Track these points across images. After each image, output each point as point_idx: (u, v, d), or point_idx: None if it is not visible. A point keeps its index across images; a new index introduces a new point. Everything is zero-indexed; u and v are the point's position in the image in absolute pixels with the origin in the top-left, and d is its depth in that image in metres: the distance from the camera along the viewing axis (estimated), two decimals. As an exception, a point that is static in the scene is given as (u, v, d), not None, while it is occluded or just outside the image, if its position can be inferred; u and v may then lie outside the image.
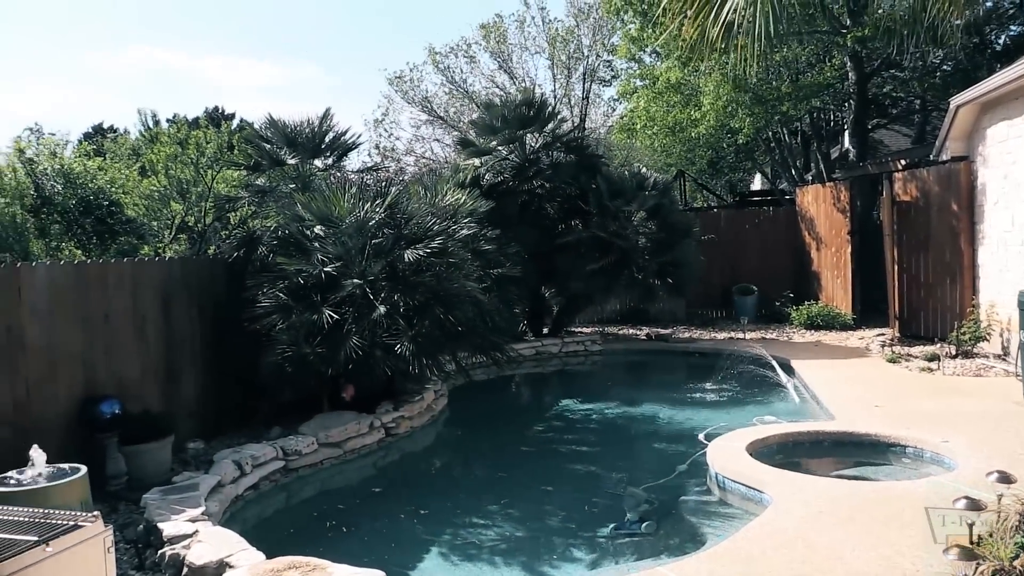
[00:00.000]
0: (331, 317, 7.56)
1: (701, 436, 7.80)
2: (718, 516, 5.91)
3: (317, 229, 8.17)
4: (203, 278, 8.35)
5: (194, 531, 5.01)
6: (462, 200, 9.28)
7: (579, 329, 15.40)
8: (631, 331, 15.63)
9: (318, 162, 9.91)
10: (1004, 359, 10.24)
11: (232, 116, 29.55)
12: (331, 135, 9.88)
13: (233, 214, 10.59)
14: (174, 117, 22.71)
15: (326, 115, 9.79)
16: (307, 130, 9.69)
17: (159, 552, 4.93)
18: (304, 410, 8.15)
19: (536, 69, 43.35)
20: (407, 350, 7.59)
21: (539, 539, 5.90)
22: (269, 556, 4.53)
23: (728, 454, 6.56)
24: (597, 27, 20.85)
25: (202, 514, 5.38)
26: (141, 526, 5.35)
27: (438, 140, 23.31)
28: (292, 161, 9.67)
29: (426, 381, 9.44)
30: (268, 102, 61.90)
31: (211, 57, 57.69)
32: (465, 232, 8.70)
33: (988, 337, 10.66)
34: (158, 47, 55.44)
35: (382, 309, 7.67)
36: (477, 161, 12.93)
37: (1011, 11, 16.08)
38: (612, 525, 5.87)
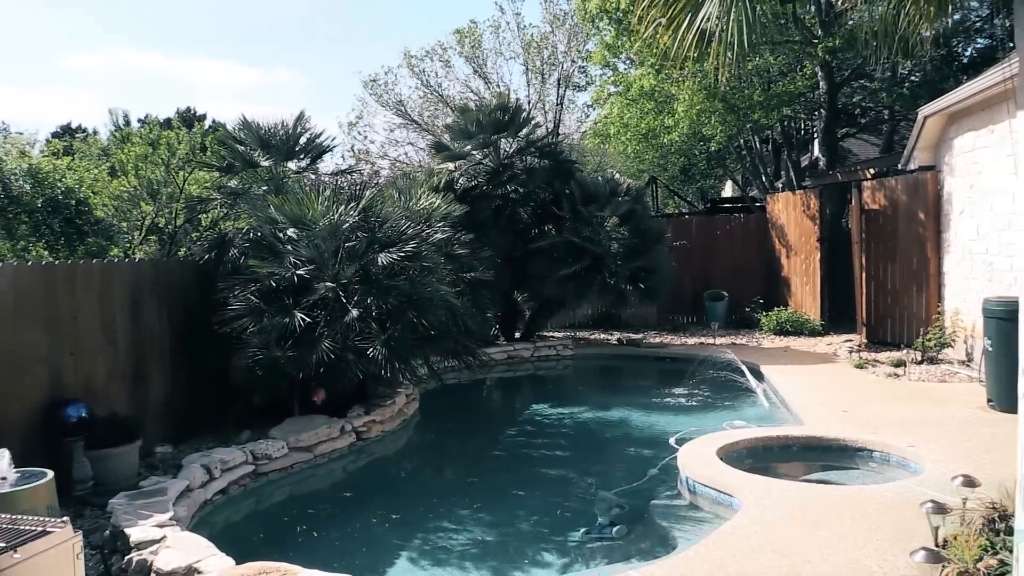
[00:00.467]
0: (303, 320, 7.52)
1: (672, 440, 7.85)
2: (689, 520, 5.95)
3: (290, 232, 8.13)
4: (173, 280, 8.27)
5: (162, 536, 4.95)
6: (436, 204, 9.28)
7: (551, 334, 15.44)
8: (603, 336, 15.70)
9: (292, 164, 9.85)
10: (968, 365, 10.42)
11: (204, 117, 29.29)
12: (305, 137, 9.82)
13: (204, 216, 10.49)
14: (146, 118, 22.44)
15: (300, 117, 9.75)
16: (281, 132, 9.63)
17: (126, 558, 4.87)
18: (275, 414, 8.10)
19: (511, 74, 43.51)
20: (379, 354, 7.57)
21: (510, 543, 5.91)
22: (239, 562, 4.49)
23: (699, 459, 6.60)
24: (572, 34, 20.97)
25: (170, 519, 5.32)
26: (107, 531, 5.28)
27: (412, 144, 23.32)
28: (265, 163, 9.60)
29: (398, 385, 9.41)
30: (242, 104, 61.63)
31: (185, 59, 57.26)
32: (439, 236, 8.71)
33: (953, 344, 10.84)
34: (131, 47, 54.89)
35: (355, 312, 7.64)
36: (451, 165, 12.94)
37: (977, 24, 16.40)
38: (583, 529, 5.90)
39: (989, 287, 9.66)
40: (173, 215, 10.68)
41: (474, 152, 13.14)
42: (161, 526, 5.15)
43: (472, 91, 22.23)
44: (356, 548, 5.82)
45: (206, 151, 11.68)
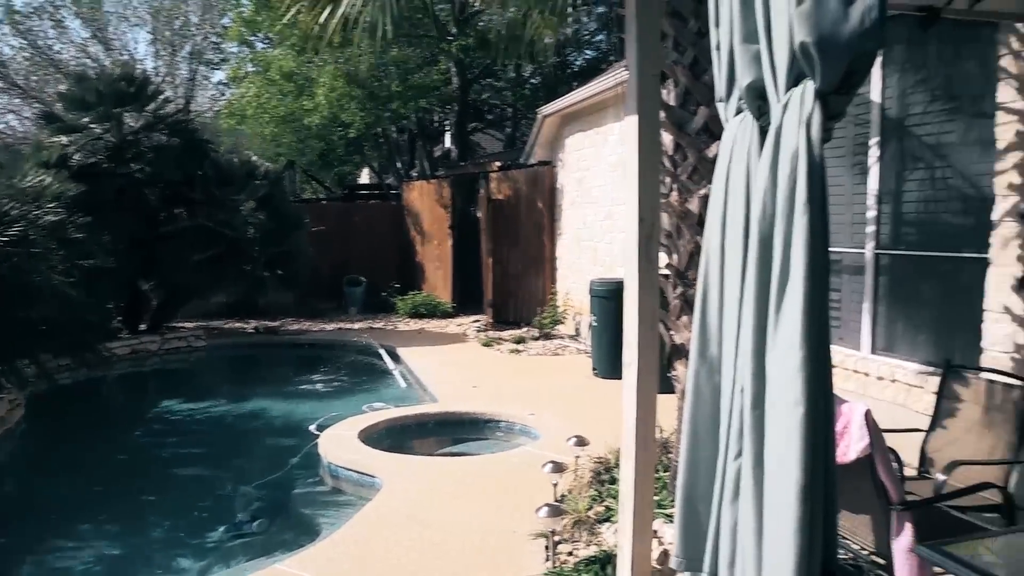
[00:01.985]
0: None
1: (312, 427, 7.82)
2: (333, 505, 5.98)
3: None
4: None
5: None
6: (47, 182, 8.25)
7: (182, 324, 14.47)
8: (239, 325, 15.10)
9: None
10: (577, 339, 11.77)
11: None
12: None
13: None
14: None
15: None
16: None
17: None
18: None
19: (136, 43, 39.86)
20: (-26, 353, 6.55)
21: (143, 554, 5.47)
22: None
23: (340, 443, 6.68)
24: (207, 5, 19.76)
25: None
26: None
27: (15, 112, 20.34)
28: None
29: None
30: None
31: None
32: (51, 218, 7.74)
33: (564, 321, 12.19)
34: None
35: (-60, 305, 6.53)
36: (65, 139, 11.47)
37: (587, 37, 18.51)
38: (223, 528, 5.66)
39: (594, 270, 10.97)
40: None
41: (93, 125, 11.79)
42: None
43: (90, 57, 19.98)
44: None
45: None
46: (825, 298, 1.95)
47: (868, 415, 3.11)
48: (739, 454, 2.08)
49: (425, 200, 16.44)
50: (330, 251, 16.19)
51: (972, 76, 5.24)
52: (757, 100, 2.21)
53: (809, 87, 1.95)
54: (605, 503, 4.75)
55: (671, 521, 4.29)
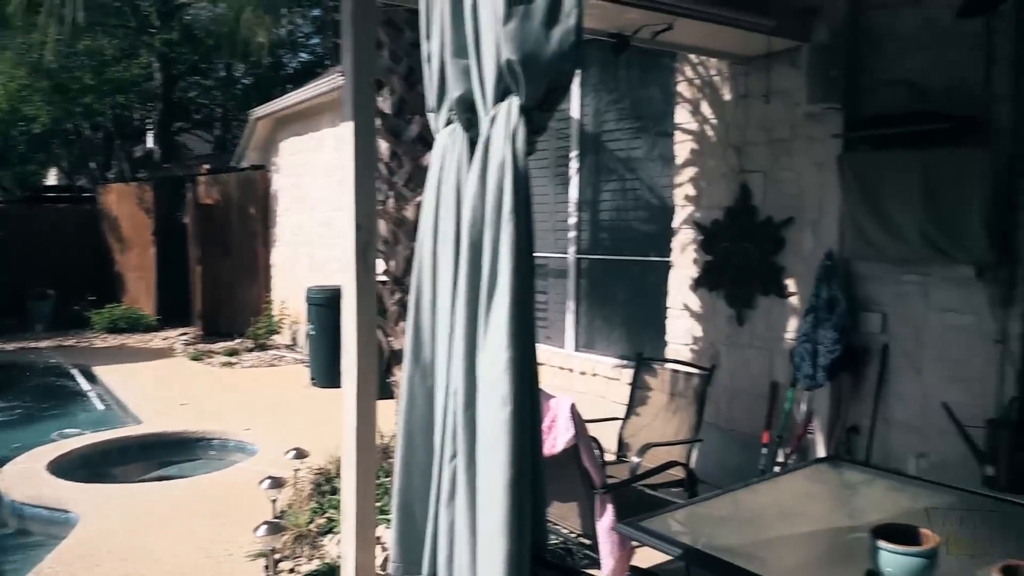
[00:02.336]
0: None
1: (-11, 463, 6.90)
2: (18, 549, 5.29)
3: None
4: None
5: None
6: None
7: None
8: None
9: None
10: (294, 349, 11.48)
11: None
12: None
13: None
14: None
15: None
16: None
17: None
18: None
19: None
20: None
21: None
22: None
23: (25, 477, 5.97)
24: None
25: None
26: None
27: None
28: None
29: None
30: None
31: None
32: None
33: (281, 330, 11.84)
34: None
35: None
36: None
37: (302, 39, 18.16)
38: None
39: (311, 277, 10.74)
40: None
41: None
42: None
43: None
44: None
45: None
46: (531, 300, 2.06)
47: (573, 408, 3.35)
48: (454, 455, 2.14)
49: (124, 204, 15.14)
50: (10, 261, 14.41)
51: (655, 98, 5.86)
52: (466, 112, 2.29)
53: (514, 102, 2.06)
54: (327, 514, 4.67)
55: (393, 526, 4.34)
